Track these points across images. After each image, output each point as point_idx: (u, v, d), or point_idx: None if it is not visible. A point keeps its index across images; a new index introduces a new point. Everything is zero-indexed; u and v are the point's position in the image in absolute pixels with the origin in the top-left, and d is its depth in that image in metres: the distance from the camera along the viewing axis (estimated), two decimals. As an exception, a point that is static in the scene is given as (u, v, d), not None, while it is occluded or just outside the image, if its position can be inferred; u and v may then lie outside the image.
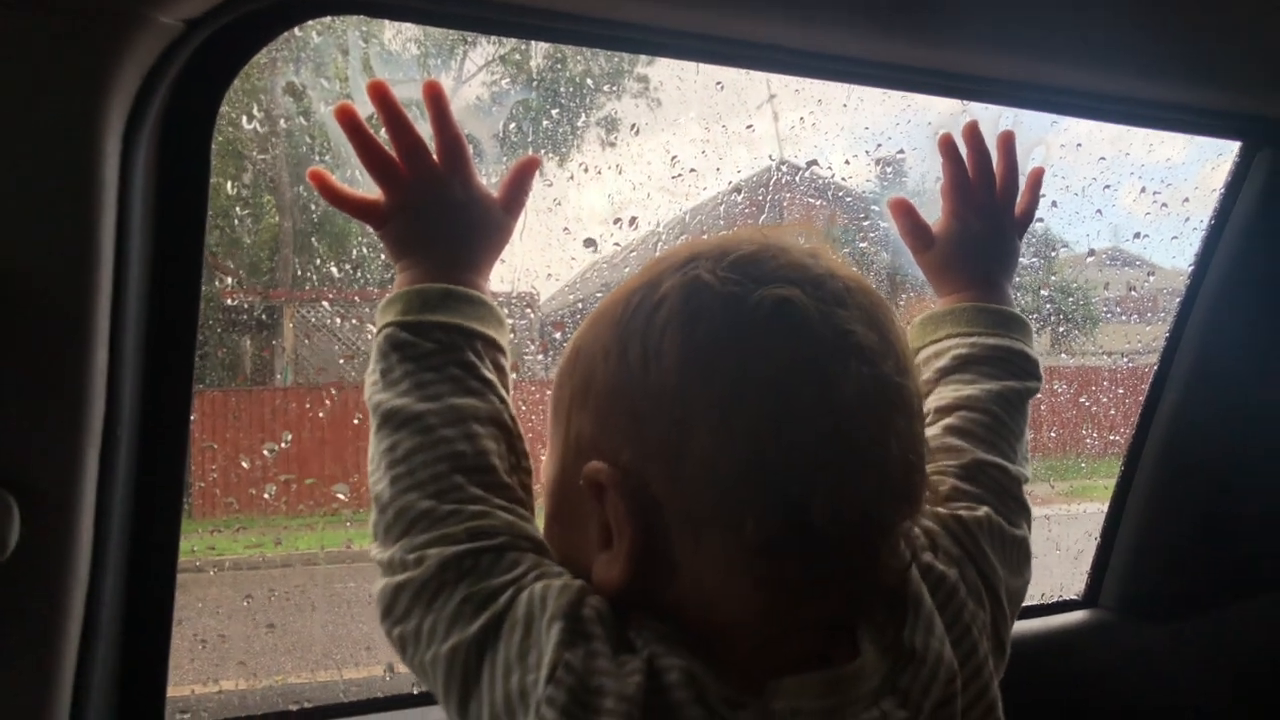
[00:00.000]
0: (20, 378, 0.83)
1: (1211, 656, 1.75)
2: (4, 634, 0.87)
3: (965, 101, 1.25)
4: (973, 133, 1.06)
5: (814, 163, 1.45)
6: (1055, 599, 1.75)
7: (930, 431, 0.89)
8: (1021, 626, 1.61)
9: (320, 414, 1.54)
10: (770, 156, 1.48)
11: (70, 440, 0.86)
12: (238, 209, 1.29)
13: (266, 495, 1.36)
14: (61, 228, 0.83)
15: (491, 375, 0.80)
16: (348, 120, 0.85)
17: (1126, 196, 1.79)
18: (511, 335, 0.87)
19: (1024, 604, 1.66)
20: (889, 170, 1.56)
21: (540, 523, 0.77)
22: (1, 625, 0.86)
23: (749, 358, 0.62)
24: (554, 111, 1.31)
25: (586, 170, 1.28)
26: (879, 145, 1.46)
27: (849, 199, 1.63)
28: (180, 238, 0.95)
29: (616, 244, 1.30)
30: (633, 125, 1.34)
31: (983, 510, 0.84)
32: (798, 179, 1.50)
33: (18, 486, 0.84)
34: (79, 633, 0.91)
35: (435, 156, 0.87)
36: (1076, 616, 1.70)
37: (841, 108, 1.37)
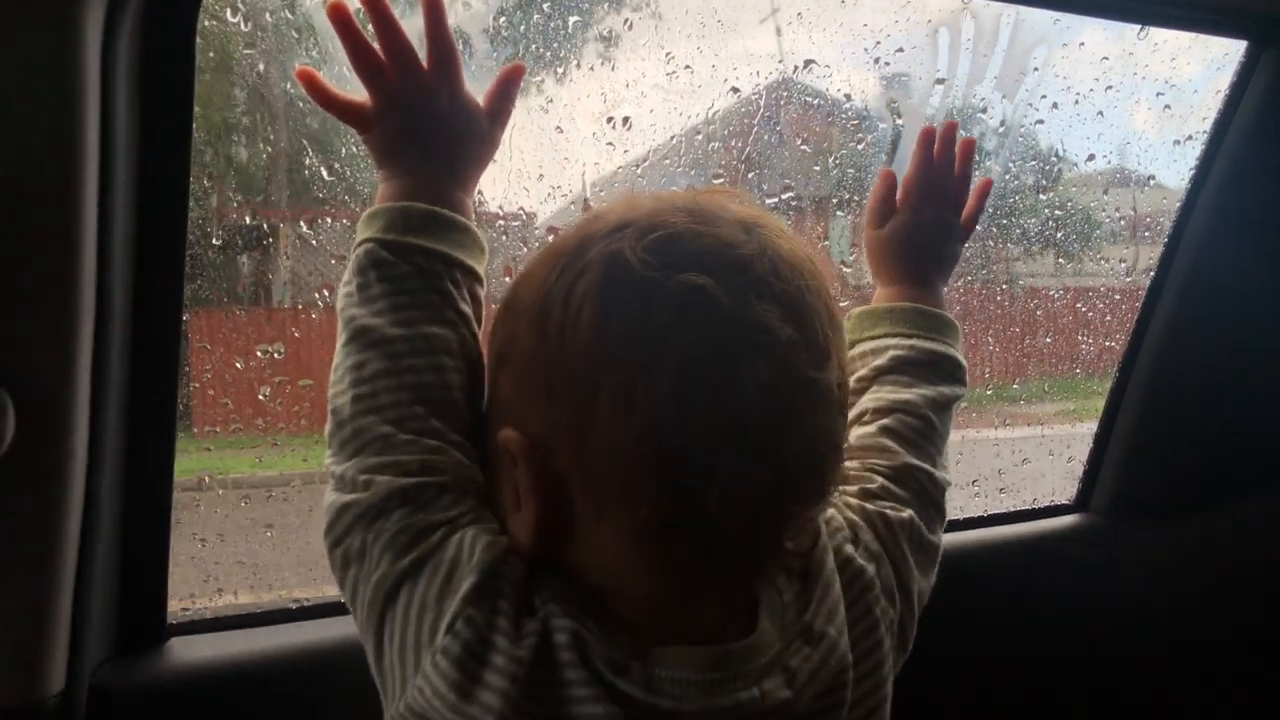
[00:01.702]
0: (9, 275, 0.83)
1: (1198, 558, 1.79)
2: (4, 529, 0.87)
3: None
4: (950, 130, 1.08)
5: (811, 62, 1.42)
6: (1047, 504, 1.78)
7: (866, 430, 0.92)
8: (1013, 530, 1.64)
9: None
10: (779, 62, 1.45)
11: (62, 336, 0.86)
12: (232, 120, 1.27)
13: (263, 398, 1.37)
14: (43, 124, 0.81)
15: (467, 307, 0.80)
16: (339, 18, 0.82)
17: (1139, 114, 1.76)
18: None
19: (1015, 509, 1.71)
20: (887, 70, 1.53)
21: None
22: (1, 521, 0.87)
23: (656, 344, 0.62)
24: (545, 6, 1.28)
25: (579, 66, 1.26)
26: (878, 44, 1.43)
27: (847, 106, 1.60)
28: (166, 129, 0.94)
29: (610, 144, 1.28)
30: (626, 20, 1.30)
31: (907, 513, 0.87)
32: (796, 78, 1.47)
33: (12, 384, 0.84)
34: (78, 527, 0.92)
35: (425, 63, 0.85)
36: (1067, 520, 1.73)
37: (840, 4, 1.35)
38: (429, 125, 0.84)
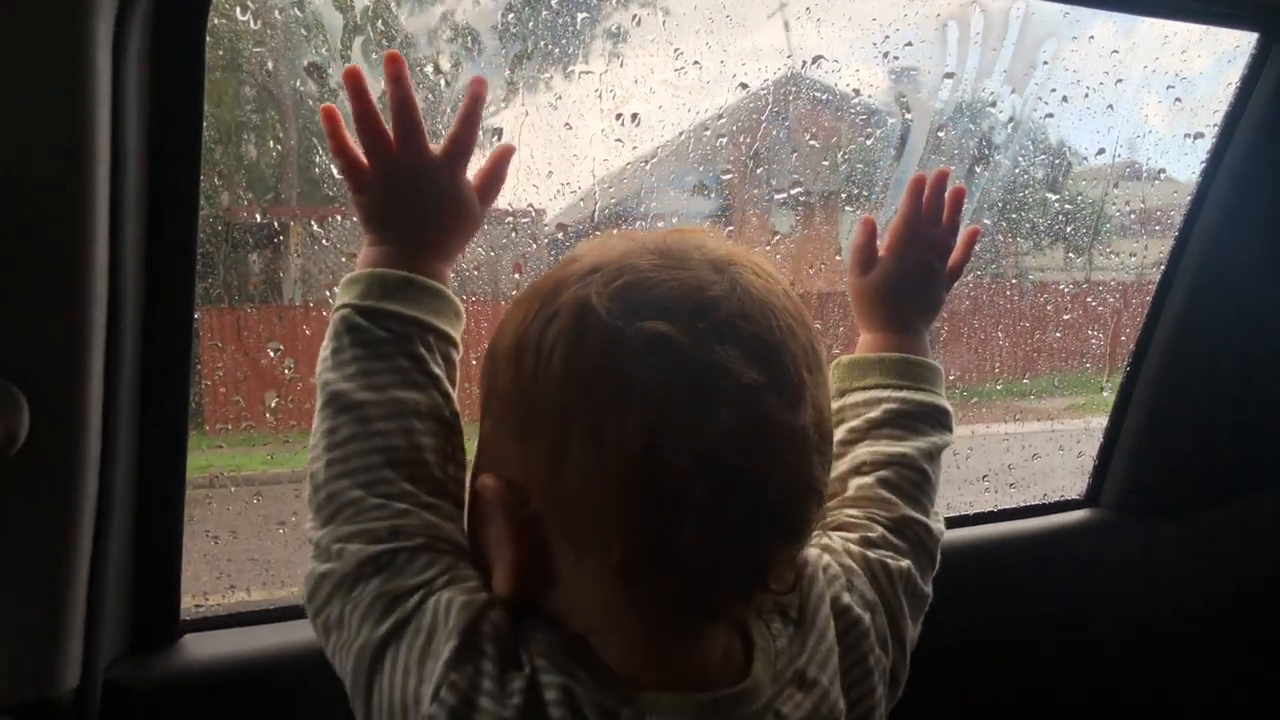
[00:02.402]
0: (22, 273, 0.83)
1: (1207, 553, 1.78)
2: (18, 526, 0.88)
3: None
4: (940, 179, 1.09)
5: (820, 57, 1.42)
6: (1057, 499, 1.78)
7: (865, 481, 0.94)
8: (1023, 525, 1.64)
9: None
10: (788, 57, 1.45)
11: (75, 335, 0.86)
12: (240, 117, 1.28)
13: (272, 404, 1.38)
14: (54, 123, 0.82)
15: (439, 370, 0.81)
16: (354, 84, 0.83)
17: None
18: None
19: (1026, 504, 1.70)
20: (895, 64, 1.53)
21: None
22: (15, 518, 0.87)
23: (622, 389, 0.63)
24: (553, 2, 1.28)
25: (588, 62, 1.26)
26: (886, 37, 1.43)
27: (856, 101, 1.60)
28: (177, 128, 0.94)
29: (619, 140, 1.28)
30: (634, 16, 1.30)
31: (905, 563, 0.89)
32: (805, 73, 1.47)
33: (26, 381, 0.84)
34: (92, 525, 0.92)
35: (443, 144, 0.87)
36: (1078, 515, 1.73)
37: (848, -2, 1.35)
38: (422, 202, 0.86)
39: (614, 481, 0.63)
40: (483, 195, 0.91)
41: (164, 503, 1.06)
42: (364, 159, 0.85)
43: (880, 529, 0.91)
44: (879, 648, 0.83)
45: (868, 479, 0.94)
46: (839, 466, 0.96)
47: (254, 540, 1.40)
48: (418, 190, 0.86)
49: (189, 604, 1.16)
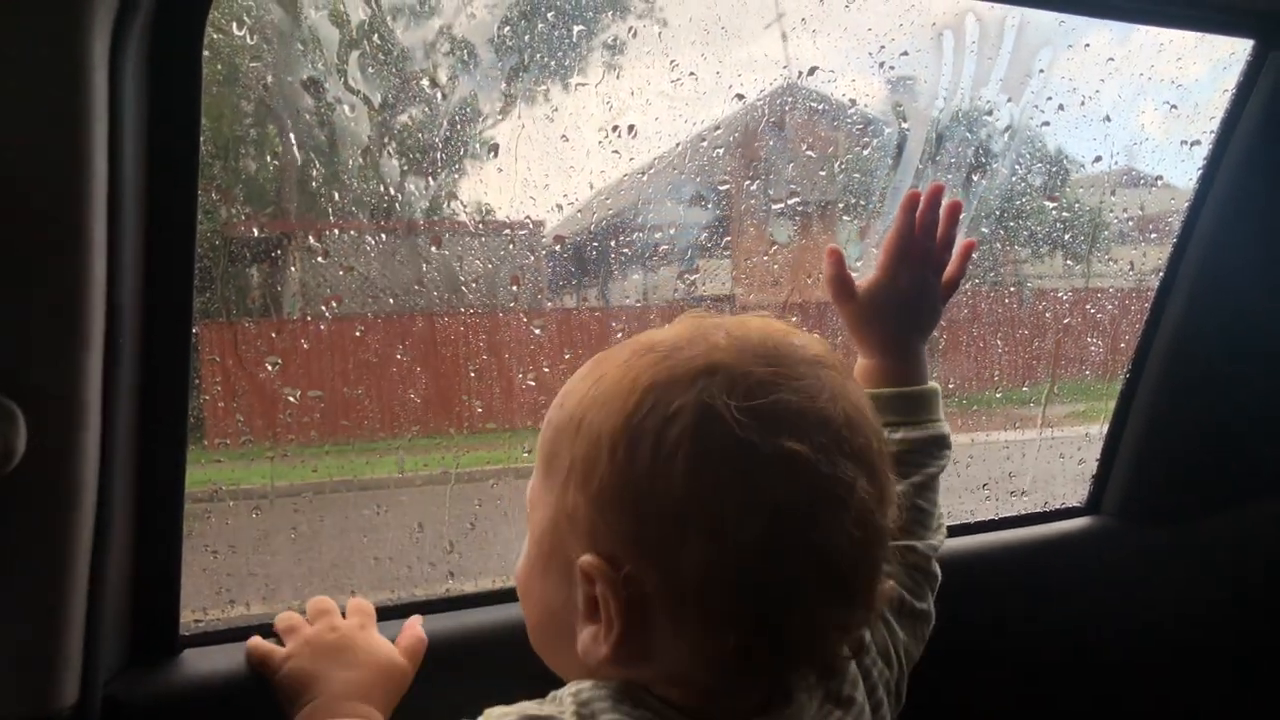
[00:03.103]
0: (19, 288, 0.83)
1: (1208, 560, 1.78)
2: (16, 542, 0.88)
3: None
4: (934, 194, 1.09)
5: (816, 68, 1.42)
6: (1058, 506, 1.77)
7: None
8: (1025, 533, 1.63)
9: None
10: (783, 68, 1.46)
11: (72, 349, 0.86)
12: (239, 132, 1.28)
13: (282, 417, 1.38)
14: (51, 137, 0.82)
15: None
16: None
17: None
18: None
19: (1027, 511, 1.70)
20: (891, 73, 1.53)
21: None
22: (13, 533, 0.87)
23: (753, 494, 0.66)
24: (550, 14, 1.28)
25: (584, 75, 1.26)
26: (882, 47, 1.43)
27: (852, 110, 1.60)
28: (174, 141, 0.94)
29: (615, 151, 1.28)
30: (630, 28, 1.31)
31: (888, 583, 0.91)
32: (800, 83, 1.47)
33: (22, 395, 0.84)
34: (90, 540, 0.92)
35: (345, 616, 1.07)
36: (1079, 523, 1.72)
37: (844, 9, 1.34)
38: (339, 664, 1.01)
39: (733, 580, 0.67)
40: (407, 655, 1.07)
41: (163, 517, 1.06)
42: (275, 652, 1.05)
43: None
44: (882, 661, 0.89)
45: None
46: None
47: (253, 554, 1.39)
48: (331, 657, 1.02)
49: (188, 619, 1.15)
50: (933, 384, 1.06)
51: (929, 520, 1.01)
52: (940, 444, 1.04)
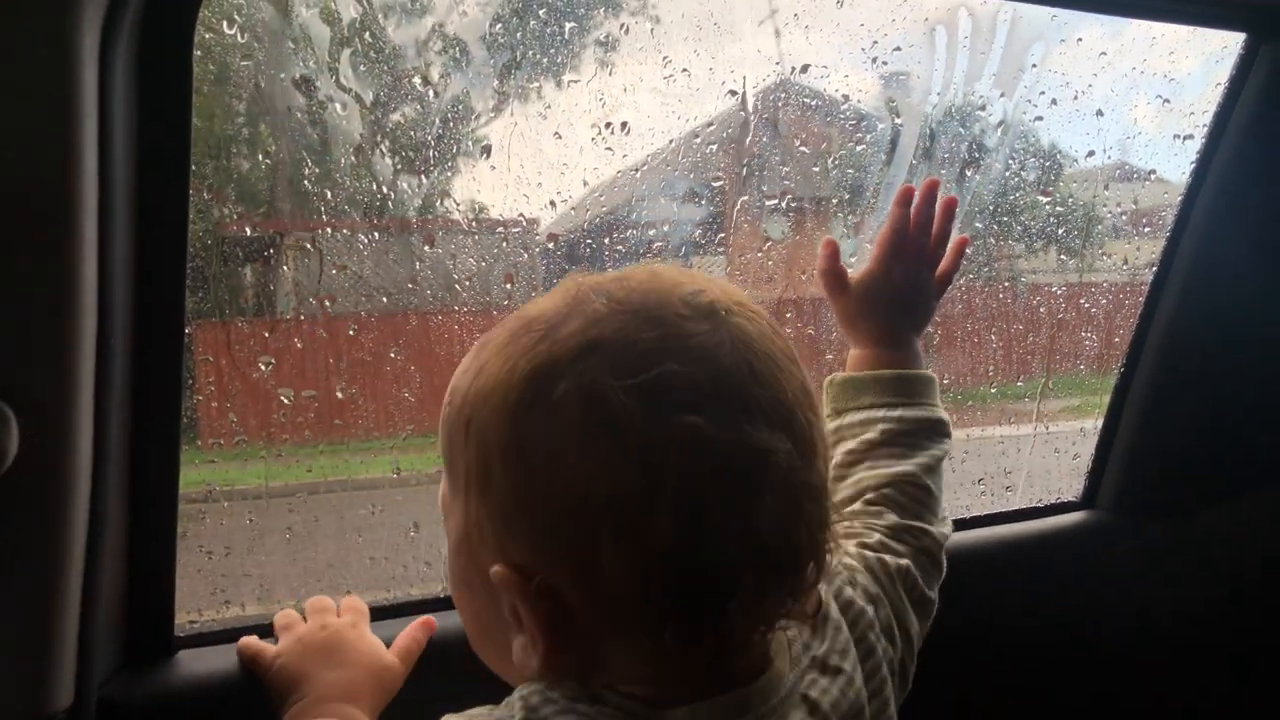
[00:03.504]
0: (9, 289, 0.82)
1: (1204, 554, 1.78)
2: (10, 544, 0.87)
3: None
4: (929, 189, 1.08)
5: (808, 66, 1.42)
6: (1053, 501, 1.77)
7: (869, 497, 0.95)
8: (1020, 527, 1.63)
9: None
10: (777, 64, 1.46)
11: (64, 350, 0.86)
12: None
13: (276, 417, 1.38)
14: (40, 137, 0.81)
15: None
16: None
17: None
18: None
19: (1022, 506, 1.70)
20: (885, 69, 1.53)
21: None
22: (6, 535, 0.87)
23: (656, 483, 0.60)
24: (541, 11, 1.28)
25: (576, 72, 1.26)
26: (874, 43, 1.43)
27: (846, 106, 1.60)
28: (165, 141, 0.94)
29: (609, 149, 1.28)
30: (623, 25, 1.31)
31: (905, 561, 0.90)
32: (794, 79, 1.47)
33: (14, 399, 0.83)
34: (83, 542, 0.92)
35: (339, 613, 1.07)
36: (1074, 517, 1.73)
37: (836, 4, 1.34)
38: (331, 662, 1.01)
39: (657, 576, 0.61)
40: (403, 658, 1.07)
41: (157, 518, 1.05)
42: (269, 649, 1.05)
43: (878, 535, 0.92)
44: (885, 639, 0.83)
45: (871, 495, 0.95)
46: (842, 491, 0.97)
47: (248, 555, 1.39)
48: (323, 654, 1.03)
49: (183, 620, 1.15)
50: (929, 372, 1.06)
51: (936, 506, 0.98)
52: (940, 428, 1.02)
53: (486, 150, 1.25)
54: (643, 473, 0.60)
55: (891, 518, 0.93)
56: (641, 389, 0.61)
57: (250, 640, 1.07)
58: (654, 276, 0.69)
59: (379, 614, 1.14)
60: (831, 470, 0.98)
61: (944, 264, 1.11)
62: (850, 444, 0.99)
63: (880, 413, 1.00)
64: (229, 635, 1.13)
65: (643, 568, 0.61)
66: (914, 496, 0.95)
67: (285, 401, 1.39)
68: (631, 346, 0.62)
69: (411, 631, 1.10)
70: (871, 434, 0.98)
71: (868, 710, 0.77)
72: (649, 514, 0.60)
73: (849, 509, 0.95)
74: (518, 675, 0.70)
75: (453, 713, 0.70)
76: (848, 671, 0.76)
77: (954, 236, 1.11)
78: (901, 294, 1.08)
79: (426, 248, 1.38)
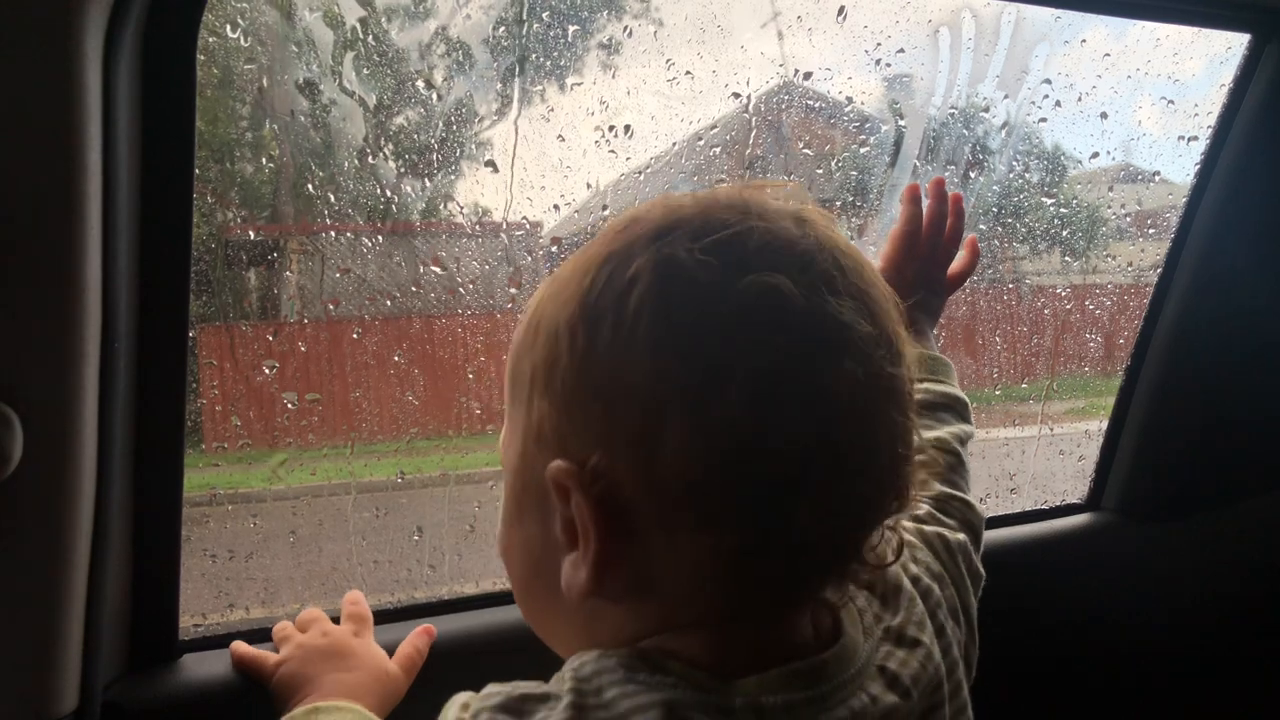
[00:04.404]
0: (13, 292, 0.82)
1: (1210, 555, 1.78)
2: (13, 548, 0.87)
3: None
4: (939, 186, 1.08)
5: (811, 73, 1.42)
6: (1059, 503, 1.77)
7: None
8: (1026, 529, 1.63)
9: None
10: (780, 66, 1.45)
11: (68, 354, 0.86)
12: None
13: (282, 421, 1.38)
14: (45, 141, 0.81)
15: None
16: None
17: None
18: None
19: (1028, 509, 1.70)
20: (888, 71, 1.53)
21: None
22: (11, 539, 0.87)
23: (731, 350, 0.56)
24: (545, 15, 1.28)
25: (580, 74, 1.26)
26: (878, 45, 1.43)
27: (849, 108, 1.60)
28: (170, 142, 0.94)
29: (612, 151, 1.28)
30: (626, 28, 1.31)
31: (961, 536, 0.86)
32: (797, 82, 1.47)
33: (18, 402, 0.84)
34: (88, 545, 0.92)
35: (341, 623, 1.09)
36: (1080, 519, 1.72)
37: (838, 10, 1.34)
38: (331, 669, 1.02)
39: (722, 462, 0.56)
40: (403, 667, 1.07)
41: (161, 522, 1.05)
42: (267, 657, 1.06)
43: (925, 506, 0.88)
44: (952, 619, 0.78)
45: None
46: None
47: (252, 558, 1.39)
48: (323, 662, 1.03)
49: (187, 623, 1.15)
50: (948, 359, 1.05)
51: (967, 476, 0.94)
52: (963, 409, 1.00)
53: (489, 154, 1.25)
54: (716, 343, 0.56)
55: (935, 486, 0.90)
56: (719, 245, 0.58)
57: (243, 648, 1.08)
58: (742, 186, 0.66)
59: (381, 618, 1.14)
60: None
61: (959, 263, 1.11)
62: None
63: None
64: (233, 639, 1.13)
65: (705, 448, 0.56)
66: (950, 465, 0.93)
67: (289, 405, 1.39)
68: (716, 223, 0.59)
69: (412, 640, 1.10)
70: None
71: (946, 686, 0.70)
72: (718, 385, 0.55)
73: None
74: (574, 631, 0.66)
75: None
76: (926, 644, 0.70)
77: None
78: (914, 291, 1.07)
79: (430, 250, 1.38)
